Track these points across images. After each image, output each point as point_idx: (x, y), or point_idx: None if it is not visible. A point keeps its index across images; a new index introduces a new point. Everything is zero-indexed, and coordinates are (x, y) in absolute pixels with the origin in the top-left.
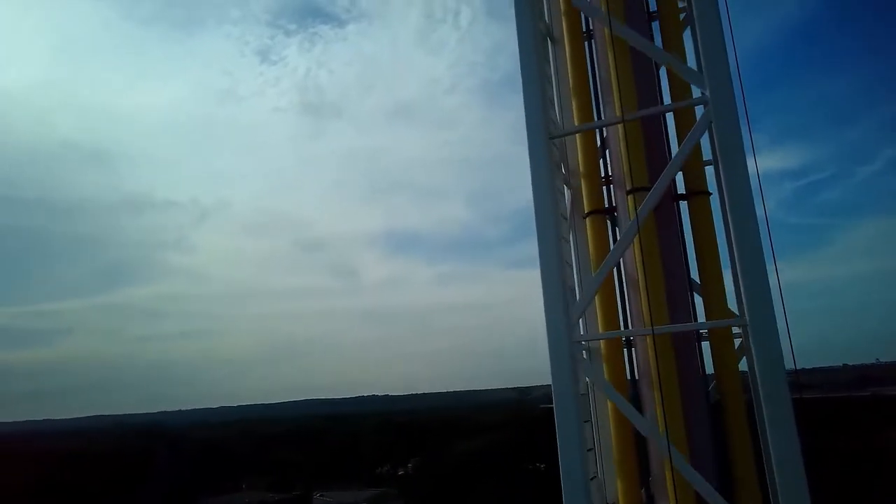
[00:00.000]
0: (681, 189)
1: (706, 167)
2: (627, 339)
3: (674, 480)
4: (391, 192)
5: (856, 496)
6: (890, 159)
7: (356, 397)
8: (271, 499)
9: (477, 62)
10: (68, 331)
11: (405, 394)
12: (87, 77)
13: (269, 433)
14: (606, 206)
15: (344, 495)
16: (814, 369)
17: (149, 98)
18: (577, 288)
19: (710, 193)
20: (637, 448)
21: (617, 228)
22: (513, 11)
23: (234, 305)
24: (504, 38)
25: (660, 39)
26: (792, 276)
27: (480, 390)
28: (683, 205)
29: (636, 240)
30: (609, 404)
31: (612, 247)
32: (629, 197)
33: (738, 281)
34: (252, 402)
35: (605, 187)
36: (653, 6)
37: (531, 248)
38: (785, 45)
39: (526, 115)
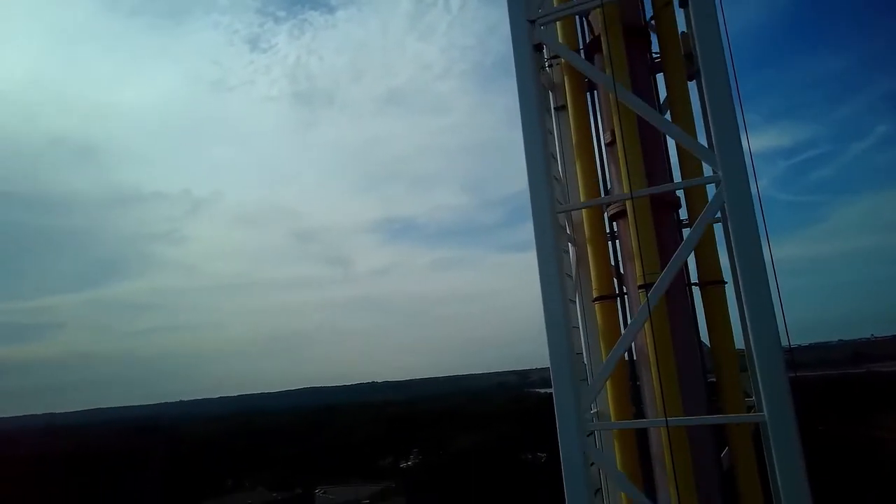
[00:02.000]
0: (694, 278)
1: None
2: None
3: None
4: (385, 180)
5: (846, 492)
6: (882, 136)
7: (354, 385)
8: (275, 498)
9: (468, 46)
10: (60, 325)
11: (403, 380)
12: (74, 71)
13: (267, 427)
14: (616, 291)
15: (346, 491)
16: (809, 346)
17: (137, 91)
18: (584, 357)
19: (726, 283)
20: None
21: (627, 311)
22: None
23: (229, 297)
24: (495, 20)
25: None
26: (786, 252)
27: (479, 374)
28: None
29: (648, 327)
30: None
31: (622, 329)
32: (640, 291)
33: (753, 372)
34: (250, 392)
35: (610, 248)
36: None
37: (526, 232)
38: (779, 23)
39: (531, 194)
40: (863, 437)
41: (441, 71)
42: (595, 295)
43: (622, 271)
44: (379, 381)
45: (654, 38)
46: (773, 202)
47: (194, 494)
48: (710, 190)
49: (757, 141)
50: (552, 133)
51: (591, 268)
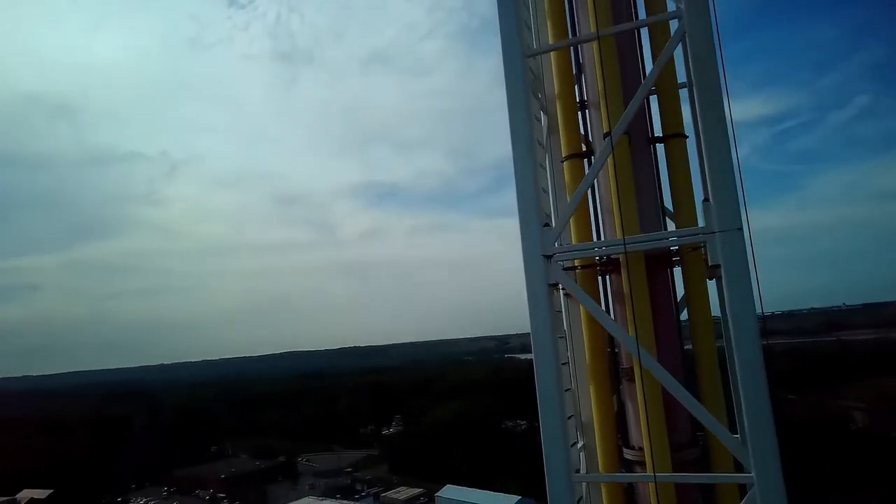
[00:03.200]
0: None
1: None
2: (602, 268)
3: (643, 385)
4: (368, 142)
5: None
6: (862, 106)
7: (337, 349)
8: (258, 466)
9: (454, 7)
10: (35, 287)
11: (385, 344)
12: (46, 27)
13: (250, 394)
14: (584, 149)
15: (328, 459)
16: (783, 313)
17: (111, 47)
18: (553, 217)
19: (686, 136)
20: (608, 360)
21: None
22: None
23: (210, 260)
24: None
25: None
26: (764, 222)
27: (460, 339)
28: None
29: (609, 168)
30: (582, 314)
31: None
32: (605, 139)
33: (708, 216)
34: (232, 356)
35: (580, 113)
36: None
37: (508, 198)
38: None
39: (501, 34)
40: (833, 407)
41: (426, 32)
42: (564, 154)
43: (589, 128)
44: (361, 345)
45: None
46: (754, 171)
47: (178, 461)
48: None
49: (741, 109)
50: (545, 192)
51: (560, 125)
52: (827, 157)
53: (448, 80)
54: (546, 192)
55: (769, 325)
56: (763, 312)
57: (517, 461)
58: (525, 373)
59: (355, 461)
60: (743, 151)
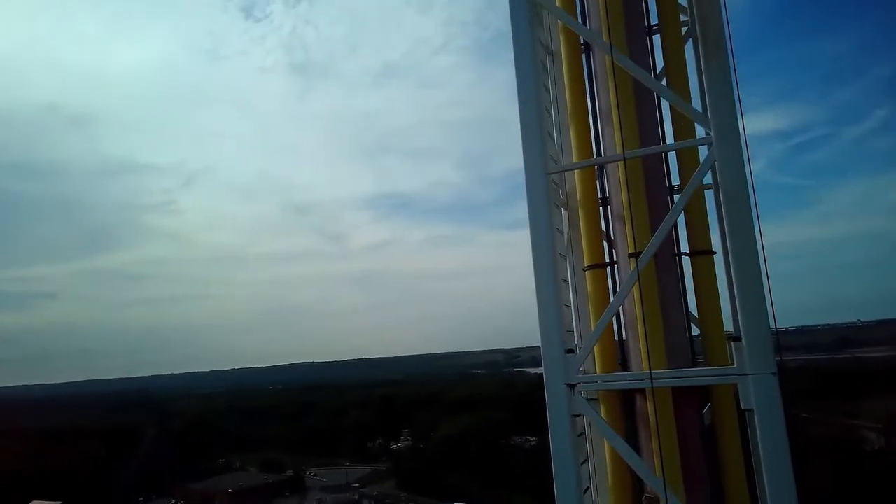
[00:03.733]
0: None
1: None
2: (626, 393)
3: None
4: (381, 154)
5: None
6: (880, 120)
7: (346, 360)
8: (265, 480)
9: (468, 21)
10: (52, 295)
11: (394, 356)
12: (65, 37)
13: (258, 406)
14: (606, 260)
15: (336, 474)
16: (796, 329)
17: (129, 59)
18: (574, 324)
19: (714, 253)
20: (631, 488)
21: (617, 278)
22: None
23: (223, 270)
24: None
25: (660, 53)
26: (777, 236)
27: (469, 352)
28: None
29: (636, 291)
30: (606, 445)
31: (611, 298)
32: (630, 259)
33: (740, 357)
34: (242, 367)
35: (602, 213)
36: (653, 17)
37: (522, 210)
38: (780, 5)
39: (524, 152)
40: (845, 426)
41: (439, 45)
42: (586, 263)
43: (613, 237)
44: (371, 357)
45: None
46: (768, 185)
47: (186, 474)
48: (704, 154)
49: (756, 122)
50: (547, 90)
51: (583, 234)
52: (844, 170)
53: (460, 91)
54: (568, 305)
55: (782, 340)
56: (776, 328)
57: (526, 479)
58: (535, 387)
59: (363, 476)
60: (757, 166)
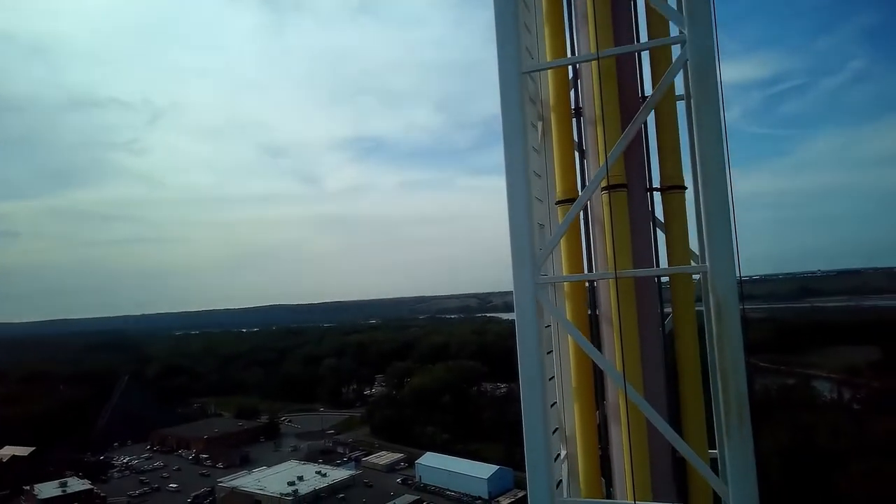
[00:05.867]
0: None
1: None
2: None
3: (627, 409)
4: (356, 94)
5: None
6: (855, 71)
7: (320, 303)
8: (241, 427)
9: None
10: (15, 234)
11: (369, 299)
12: None
13: (232, 352)
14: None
15: (310, 420)
16: (761, 277)
17: None
18: (548, 223)
19: (686, 188)
20: (594, 376)
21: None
22: None
23: (194, 211)
24: None
25: None
26: (749, 185)
27: (443, 296)
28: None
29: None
30: (570, 339)
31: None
32: (604, 194)
33: (701, 230)
34: (215, 308)
35: (574, 120)
36: None
37: (497, 156)
38: None
39: (498, 49)
40: (798, 374)
41: None
42: (558, 198)
43: (584, 146)
44: (345, 300)
45: None
46: (742, 134)
47: (161, 419)
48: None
49: (735, 70)
50: (540, 200)
51: (556, 168)
52: (817, 121)
53: (439, 31)
54: (540, 199)
55: (745, 289)
56: (740, 276)
57: (497, 426)
58: (506, 335)
59: (337, 423)
60: (732, 114)
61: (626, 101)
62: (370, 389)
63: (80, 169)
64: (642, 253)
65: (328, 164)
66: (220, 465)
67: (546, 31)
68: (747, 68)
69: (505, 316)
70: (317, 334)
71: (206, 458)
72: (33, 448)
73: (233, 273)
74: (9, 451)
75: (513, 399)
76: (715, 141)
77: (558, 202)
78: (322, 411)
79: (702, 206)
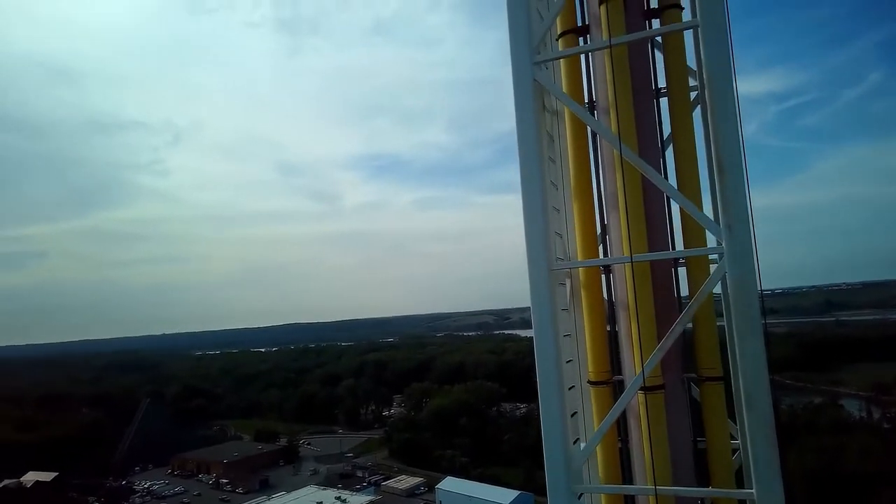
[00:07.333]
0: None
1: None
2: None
3: (641, 354)
4: (371, 113)
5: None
6: (874, 84)
7: (337, 321)
8: (260, 451)
9: None
10: (41, 254)
11: (385, 316)
12: None
13: (251, 370)
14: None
15: (329, 443)
16: (784, 291)
17: (110, 10)
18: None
19: (682, 8)
20: (611, 361)
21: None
22: None
23: (213, 229)
24: None
25: None
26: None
27: (460, 312)
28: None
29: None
30: (586, 321)
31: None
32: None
33: (716, 209)
34: (234, 328)
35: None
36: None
37: (512, 174)
38: None
39: (511, 39)
40: (824, 392)
41: (431, 2)
42: (590, 379)
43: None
44: (361, 318)
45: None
46: (761, 148)
47: (182, 442)
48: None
49: (748, 85)
50: (555, 186)
51: (570, 157)
52: (837, 135)
53: (452, 51)
54: (555, 184)
55: (768, 303)
56: (762, 290)
57: (516, 450)
58: (525, 352)
59: (356, 445)
60: (750, 129)
61: (639, 89)
62: (388, 410)
63: (105, 190)
64: (658, 238)
65: (344, 182)
66: (239, 489)
67: (558, 22)
68: (762, 82)
69: (523, 333)
70: (335, 353)
71: (226, 483)
72: (56, 473)
73: (249, 291)
74: (32, 476)
75: (532, 420)
76: (730, 119)
77: (591, 382)
78: (340, 433)
79: (718, 192)
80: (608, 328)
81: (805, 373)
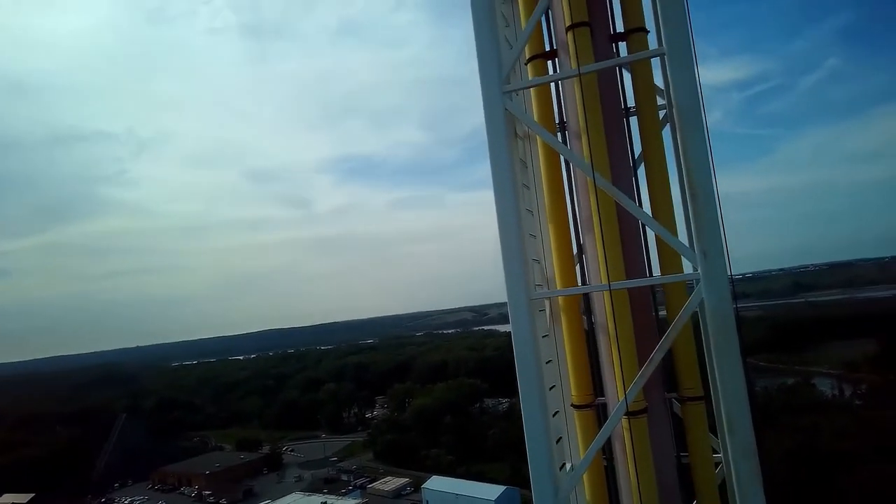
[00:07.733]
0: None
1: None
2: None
3: (623, 380)
4: (341, 115)
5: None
6: (832, 69)
7: (315, 325)
8: (242, 460)
9: None
10: (4, 272)
11: (364, 318)
12: None
13: (230, 381)
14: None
15: (313, 448)
16: (753, 275)
17: (68, 18)
18: (539, 235)
19: (648, 31)
20: (593, 384)
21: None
22: None
23: (184, 240)
24: None
25: None
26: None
27: (439, 311)
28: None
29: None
30: (567, 347)
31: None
32: (569, 34)
33: (690, 232)
34: (210, 336)
35: (560, 134)
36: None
37: (483, 172)
38: None
39: (480, 69)
40: (797, 372)
41: (395, 2)
42: (574, 402)
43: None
44: (340, 320)
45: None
46: (726, 136)
47: (162, 455)
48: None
49: (712, 73)
50: (530, 212)
51: (544, 181)
52: (800, 120)
53: (419, 50)
54: (533, 235)
55: (739, 287)
56: (731, 274)
57: (500, 445)
58: (505, 347)
59: (340, 449)
60: (715, 117)
61: (609, 111)
62: (371, 412)
63: (70, 204)
64: (634, 261)
65: (317, 187)
66: (223, 501)
67: (526, 49)
68: (726, 71)
69: (502, 328)
70: (314, 357)
71: (209, 495)
72: (32, 495)
73: (227, 299)
74: (8, 499)
75: (515, 415)
76: (700, 147)
77: (574, 405)
78: (324, 438)
79: (691, 218)
80: (589, 350)
81: (777, 354)
